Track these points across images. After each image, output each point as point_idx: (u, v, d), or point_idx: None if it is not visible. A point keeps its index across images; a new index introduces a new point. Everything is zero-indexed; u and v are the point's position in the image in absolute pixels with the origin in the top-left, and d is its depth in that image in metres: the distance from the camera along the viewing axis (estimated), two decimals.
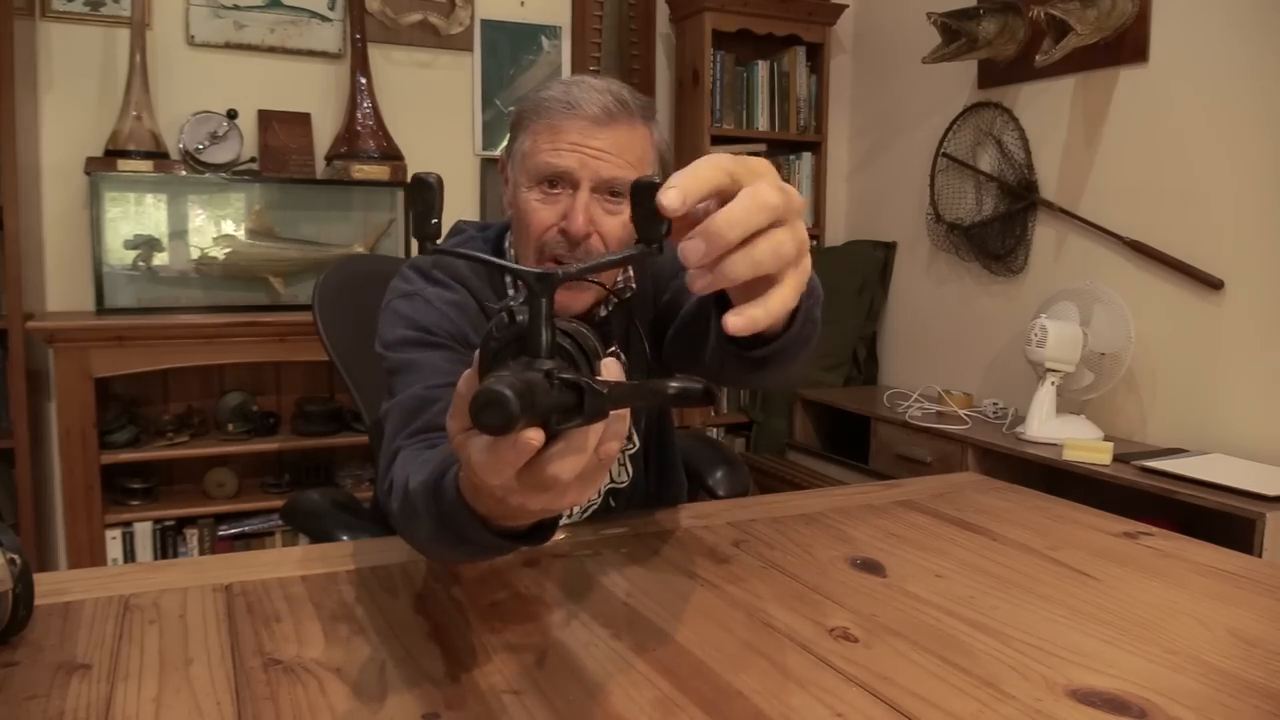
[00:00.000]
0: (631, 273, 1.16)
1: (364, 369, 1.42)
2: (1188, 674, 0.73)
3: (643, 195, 0.53)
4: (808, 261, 0.59)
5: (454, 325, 1.04)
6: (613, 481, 1.20)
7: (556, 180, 1.02)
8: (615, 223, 1.03)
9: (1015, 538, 1.07)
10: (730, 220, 0.53)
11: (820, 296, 0.88)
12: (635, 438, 1.22)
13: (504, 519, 0.64)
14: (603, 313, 1.13)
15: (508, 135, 1.12)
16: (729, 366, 0.90)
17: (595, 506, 1.19)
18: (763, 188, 0.54)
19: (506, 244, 1.15)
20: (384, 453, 0.93)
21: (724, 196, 0.55)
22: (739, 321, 0.56)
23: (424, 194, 0.55)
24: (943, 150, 2.98)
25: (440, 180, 0.56)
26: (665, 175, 1.13)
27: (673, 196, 0.52)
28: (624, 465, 1.21)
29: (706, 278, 0.54)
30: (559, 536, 1.04)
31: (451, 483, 0.67)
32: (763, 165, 0.57)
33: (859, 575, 0.94)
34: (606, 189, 1.02)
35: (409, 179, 0.57)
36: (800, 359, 0.90)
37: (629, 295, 1.15)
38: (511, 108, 3.09)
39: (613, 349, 1.15)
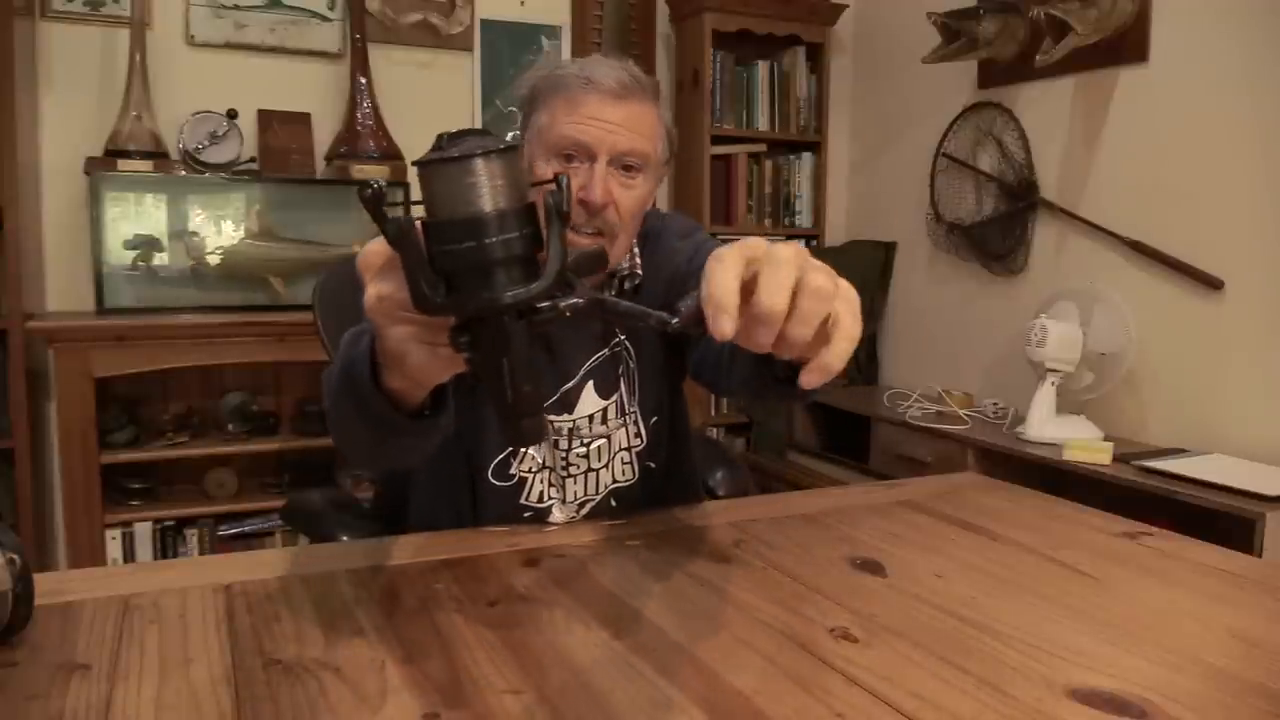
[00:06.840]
0: (639, 260, 1.18)
1: None
2: (1188, 674, 0.73)
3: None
4: (849, 290, 0.61)
5: None
6: (615, 480, 1.20)
7: (574, 153, 1.05)
8: (629, 195, 1.07)
9: (1015, 538, 1.07)
10: (771, 297, 0.54)
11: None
12: (644, 433, 1.21)
13: (396, 387, 0.75)
14: (609, 294, 1.15)
15: (521, 114, 1.14)
16: (771, 395, 0.92)
17: (595, 503, 1.19)
18: (774, 249, 0.56)
19: None
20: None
21: (749, 278, 0.56)
22: (813, 377, 0.58)
23: None
24: (943, 150, 2.98)
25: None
26: (671, 154, 1.14)
27: (725, 324, 0.53)
28: (629, 464, 1.21)
29: (782, 348, 0.56)
30: (553, 528, 1.05)
31: (366, 341, 0.76)
32: (755, 241, 0.58)
33: (859, 575, 0.94)
34: (621, 162, 1.06)
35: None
36: None
37: (638, 282, 1.18)
38: (511, 108, 3.08)
39: (620, 339, 1.17)
